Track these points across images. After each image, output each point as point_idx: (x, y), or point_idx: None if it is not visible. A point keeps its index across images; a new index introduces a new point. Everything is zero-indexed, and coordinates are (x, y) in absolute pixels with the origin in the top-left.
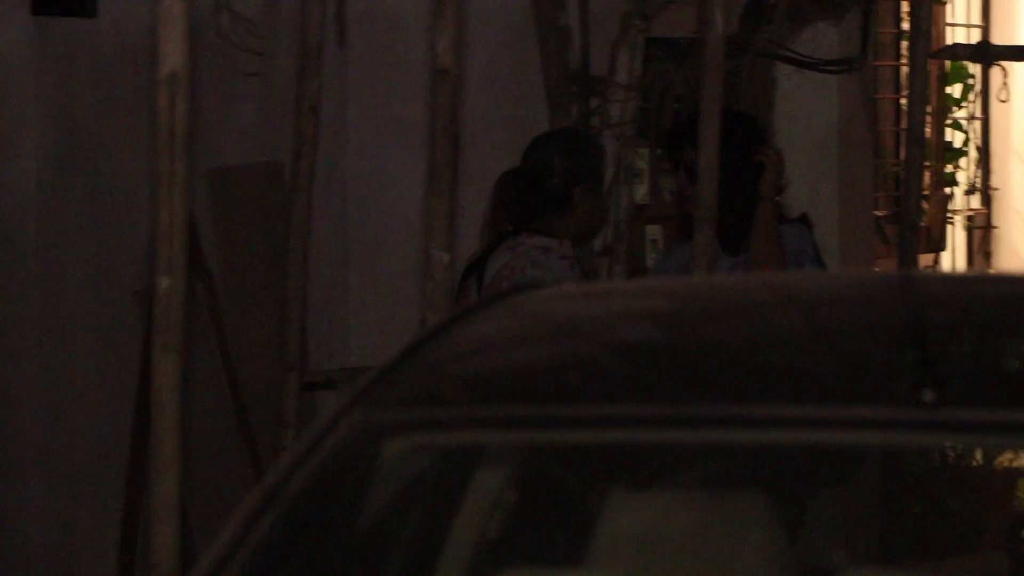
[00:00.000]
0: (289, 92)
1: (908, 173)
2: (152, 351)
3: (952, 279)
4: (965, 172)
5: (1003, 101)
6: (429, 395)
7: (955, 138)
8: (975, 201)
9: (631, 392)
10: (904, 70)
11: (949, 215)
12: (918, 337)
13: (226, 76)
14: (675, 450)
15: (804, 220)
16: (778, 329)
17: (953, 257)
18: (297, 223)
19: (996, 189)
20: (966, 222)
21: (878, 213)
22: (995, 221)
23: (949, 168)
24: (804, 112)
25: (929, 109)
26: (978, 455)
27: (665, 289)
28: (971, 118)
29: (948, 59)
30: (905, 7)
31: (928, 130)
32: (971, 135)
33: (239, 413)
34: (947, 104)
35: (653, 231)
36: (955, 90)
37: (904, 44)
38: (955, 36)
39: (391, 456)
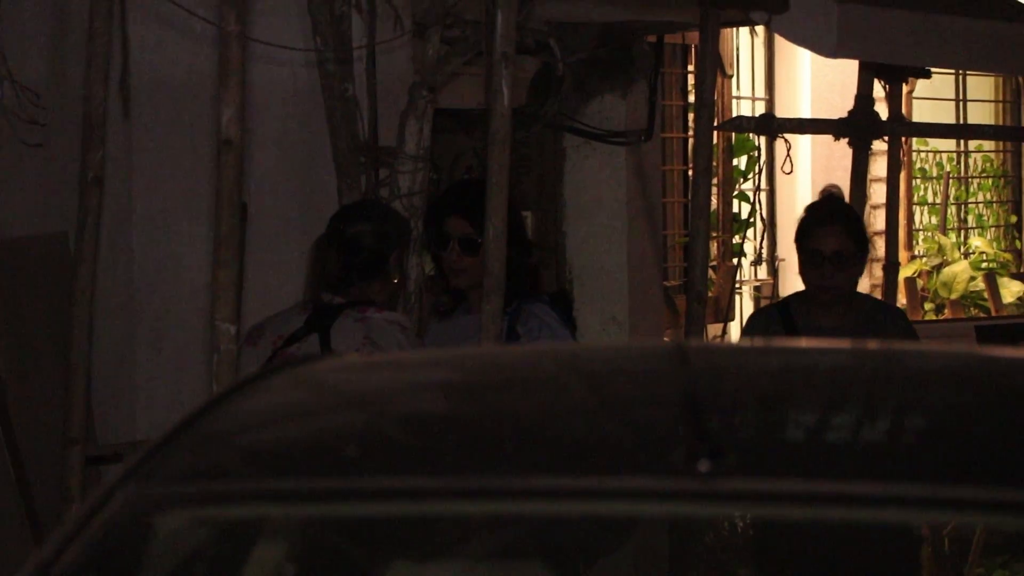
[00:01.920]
0: (73, 163)
1: (694, 244)
2: None
3: (728, 349)
4: (752, 243)
5: (787, 173)
6: (206, 468)
7: (742, 209)
8: (762, 271)
9: (412, 464)
10: (691, 141)
11: (737, 285)
12: (694, 407)
13: (8, 146)
14: (457, 522)
15: (559, 297)
16: (559, 400)
17: (741, 327)
18: (81, 294)
19: (782, 260)
20: (753, 292)
21: (667, 284)
22: (781, 291)
23: (736, 239)
24: (593, 183)
25: (716, 181)
26: (755, 525)
27: (448, 360)
28: (757, 189)
29: (733, 131)
30: (691, 80)
31: (715, 201)
32: (757, 206)
33: (21, 488)
34: (734, 176)
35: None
36: (741, 162)
37: (691, 116)
38: (740, 109)
39: (167, 530)
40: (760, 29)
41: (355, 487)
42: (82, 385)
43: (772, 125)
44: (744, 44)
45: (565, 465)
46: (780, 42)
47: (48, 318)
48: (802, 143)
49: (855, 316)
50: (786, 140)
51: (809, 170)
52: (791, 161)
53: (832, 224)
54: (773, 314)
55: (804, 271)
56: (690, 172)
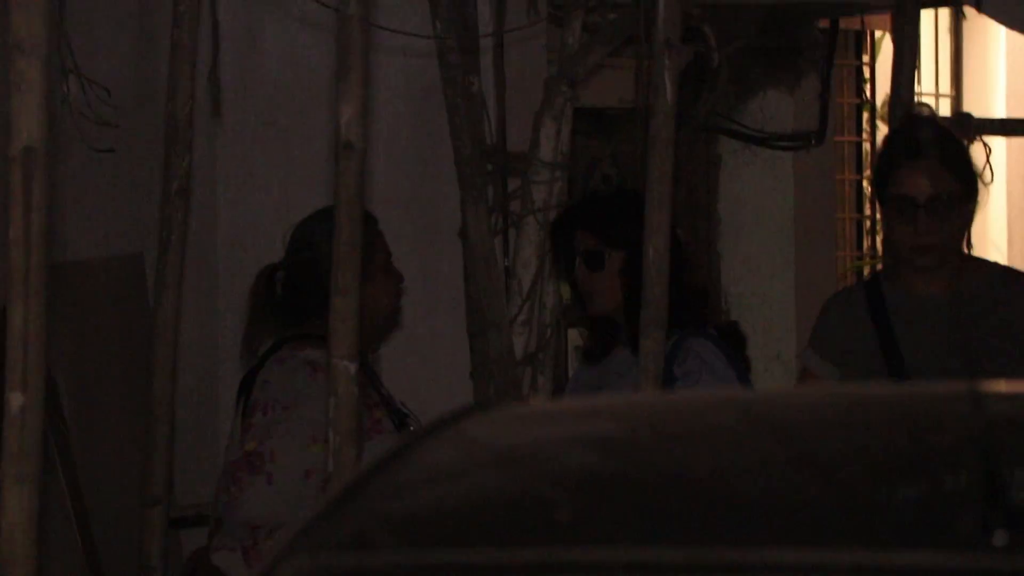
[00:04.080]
0: (151, 172)
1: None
2: None
3: None
4: None
5: (987, 183)
6: (383, 537)
7: None
8: None
9: (611, 533)
10: (865, 146)
11: None
12: (988, 465)
13: (75, 153)
14: None
15: (730, 329)
16: (809, 456)
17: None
18: (163, 327)
19: None
20: None
21: None
22: None
23: None
24: (753, 195)
25: None
26: None
27: (648, 407)
28: None
29: None
30: (867, 73)
31: None
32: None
33: (89, 555)
34: None
35: (575, 336)
36: None
37: (866, 116)
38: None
39: None
40: (968, 13)
41: (542, 559)
42: (165, 435)
43: (969, 126)
44: (926, 32)
45: (822, 536)
46: (970, 30)
47: (123, 355)
48: (999, 146)
49: (968, 285)
50: (985, 144)
51: (1004, 179)
52: (991, 169)
53: (924, 158)
54: (856, 293)
55: (890, 227)
56: (865, 183)
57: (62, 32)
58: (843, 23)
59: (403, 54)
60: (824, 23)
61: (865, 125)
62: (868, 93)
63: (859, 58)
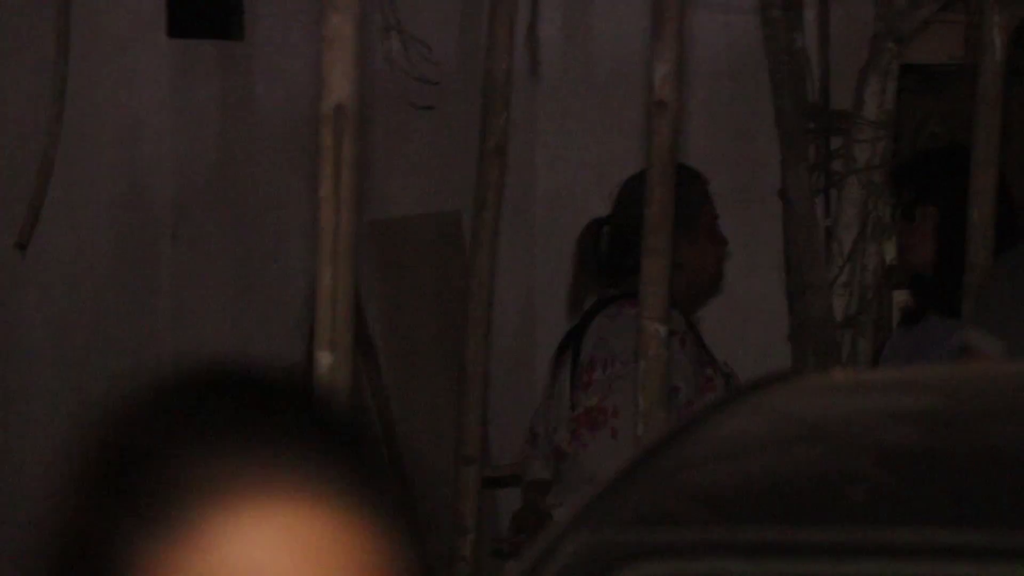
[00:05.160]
0: (470, 129)
1: None
2: None
3: None
4: None
5: None
6: (671, 513)
7: None
8: None
9: (929, 514)
10: None
11: None
12: None
13: (395, 110)
14: None
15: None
16: None
17: None
18: (479, 286)
19: None
20: None
21: None
22: None
23: None
24: None
25: None
26: None
27: (958, 380)
28: None
29: None
30: None
31: None
32: None
33: (408, 516)
34: None
35: (901, 297)
36: None
37: None
38: None
39: None
40: None
41: (857, 540)
42: (479, 394)
43: None
44: None
45: None
46: None
47: (438, 313)
48: None
49: None
50: None
51: None
52: None
53: None
54: None
55: None
56: None
57: None
58: None
59: (723, 11)
60: None
61: None
62: None
63: None
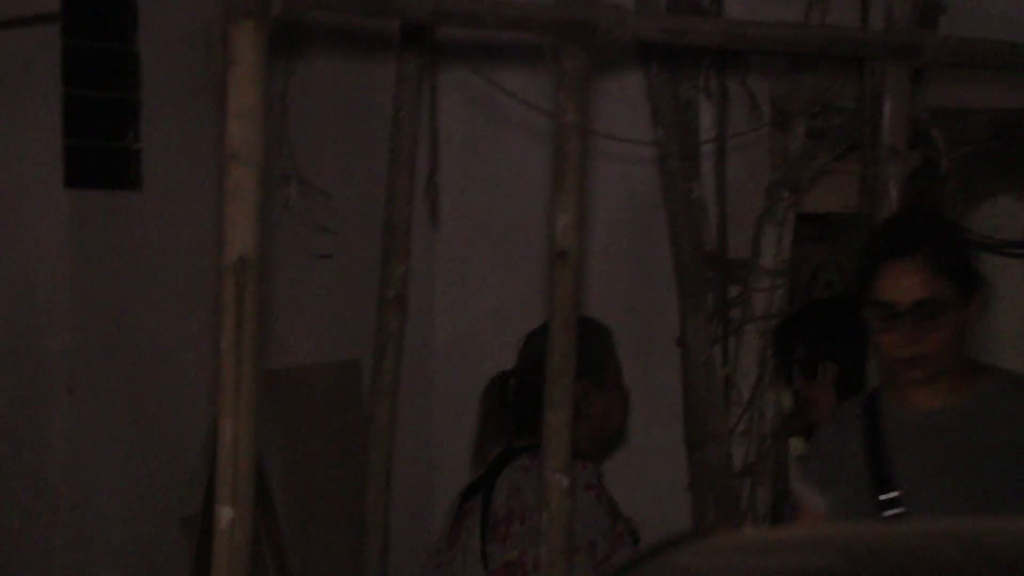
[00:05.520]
0: (370, 277)
1: None
2: None
3: None
4: None
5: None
6: None
7: None
8: None
9: None
10: None
11: None
12: None
13: (294, 258)
14: None
15: None
16: None
17: None
18: (378, 437)
19: None
20: None
21: None
22: None
23: None
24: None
25: None
26: None
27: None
28: None
29: None
30: None
31: None
32: None
33: None
34: None
35: (797, 445)
36: None
37: None
38: None
39: None
40: None
41: None
42: (379, 546)
43: None
44: None
45: None
46: None
47: (338, 464)
48: None
49: (971, 399)
50: None
51: None
52: None
53: (909, 255)
54: (853, 408)
55: (875, 335)
56: None
57: (284, 139)
58: None
59: (623, 160)
60: None
61: None
62: None
63: None
